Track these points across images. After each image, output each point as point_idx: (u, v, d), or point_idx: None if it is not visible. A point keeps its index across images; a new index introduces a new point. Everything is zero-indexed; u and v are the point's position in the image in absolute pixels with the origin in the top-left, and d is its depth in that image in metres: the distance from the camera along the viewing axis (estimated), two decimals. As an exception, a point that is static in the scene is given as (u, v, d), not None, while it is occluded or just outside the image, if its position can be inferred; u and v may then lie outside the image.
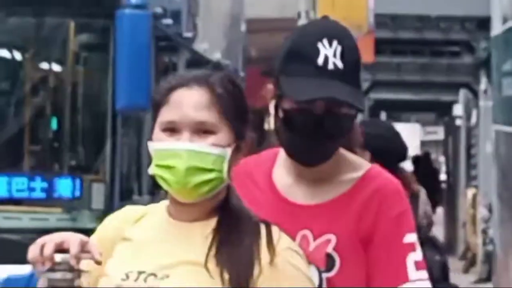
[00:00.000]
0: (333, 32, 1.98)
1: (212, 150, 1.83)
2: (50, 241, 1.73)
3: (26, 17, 7.13)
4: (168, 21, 7.42)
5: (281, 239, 1.84)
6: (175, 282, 1.78)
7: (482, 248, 13.86)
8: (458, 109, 20.34)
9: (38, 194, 6.39)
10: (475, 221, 14.81)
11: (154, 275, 1.78)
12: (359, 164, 2.06)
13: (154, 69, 6.70)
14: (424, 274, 1.94)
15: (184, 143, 1.82)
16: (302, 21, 14.65)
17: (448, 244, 15.31)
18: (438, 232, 16.74)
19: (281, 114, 1.97)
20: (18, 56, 7.49)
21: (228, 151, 1.85)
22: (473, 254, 14.85)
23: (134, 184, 6.84)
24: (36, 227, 5.87)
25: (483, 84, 15.54)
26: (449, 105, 21.25)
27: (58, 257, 1.71)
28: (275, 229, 1.85)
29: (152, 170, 1.83)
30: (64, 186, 6.30)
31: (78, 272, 1.73)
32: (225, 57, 10.49)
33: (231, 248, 1.82)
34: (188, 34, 8.61)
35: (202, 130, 1.83)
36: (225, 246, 1.82)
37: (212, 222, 1.84)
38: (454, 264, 15.89)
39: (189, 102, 1.85)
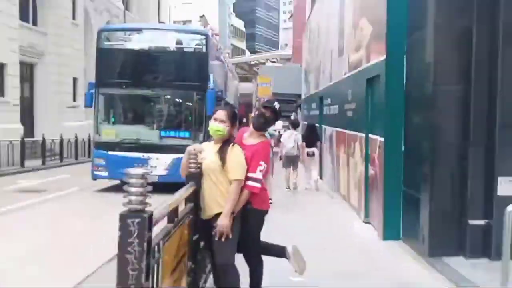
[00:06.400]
0: (271, 101, 3.40)
1: (223, 126, 3.28)
2: (188, 151, 3.29)
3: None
4: (220, 92, 11.12)
5: (235, 147, 3.32)
6: (207, 163, 3.26)
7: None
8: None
9: (182, 144, 9.08)
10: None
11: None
12: (262, 137, 3.22)
13: (216, 105, 9.65)
14: (260, 175, 3.10)
15: (216, 124, 3.31)
16: (253, 95, 25.31)
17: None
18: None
19: (255, 113, 3.15)
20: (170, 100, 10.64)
21: (228, 128, 3.28)
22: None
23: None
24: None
25: (298, 114, 23.02)
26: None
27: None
28: (236, 145, 3.29)
29: (209, 129, 3.31)
30: (186, 143, 8.51)
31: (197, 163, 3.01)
32: (233, 102, 17.37)
33: (222, 150, 3.28)
34: (225, 96, 13.23)
35: (223, 121, 3.34)
36: (220, 150, 3.31)
37: (221, 144, 3.27)
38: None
39: (221, 114, 3.40)
